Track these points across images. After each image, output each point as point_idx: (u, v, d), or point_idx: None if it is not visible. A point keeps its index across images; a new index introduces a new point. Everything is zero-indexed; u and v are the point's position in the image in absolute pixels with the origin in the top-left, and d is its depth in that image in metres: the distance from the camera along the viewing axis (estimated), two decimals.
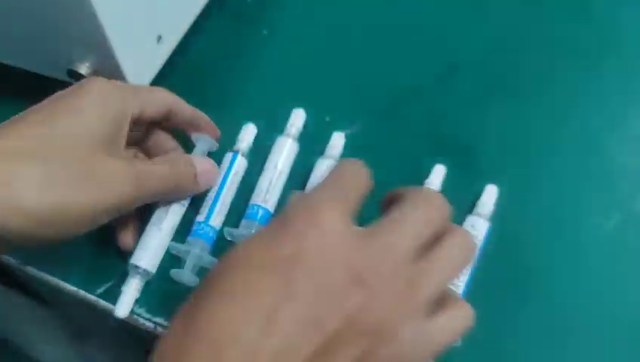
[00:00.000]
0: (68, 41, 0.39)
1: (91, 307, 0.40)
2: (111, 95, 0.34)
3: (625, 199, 0.43)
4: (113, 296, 0.39)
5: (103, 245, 0.41)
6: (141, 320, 0.39)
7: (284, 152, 0.43)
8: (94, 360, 0.75)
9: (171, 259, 0.40)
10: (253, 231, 0.40)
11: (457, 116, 0.47)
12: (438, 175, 0.42)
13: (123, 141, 0.35)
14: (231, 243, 0.41)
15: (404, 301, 0.25)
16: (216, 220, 0.41)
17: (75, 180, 0.31)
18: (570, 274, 0.40)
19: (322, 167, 0.42)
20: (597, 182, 0.43)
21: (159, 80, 0.45)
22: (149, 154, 0.41)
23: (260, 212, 0.41)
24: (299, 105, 0.45)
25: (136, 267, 0.39)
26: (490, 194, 0.41)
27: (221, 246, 0.41)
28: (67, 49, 0.40)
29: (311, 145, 0.44)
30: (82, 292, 0.40)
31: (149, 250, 0.39)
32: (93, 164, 0.32)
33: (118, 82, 0.36)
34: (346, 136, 0.44)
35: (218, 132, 0.43)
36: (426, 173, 0.42)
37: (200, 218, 0.40)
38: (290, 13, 0.51)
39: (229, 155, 0.43)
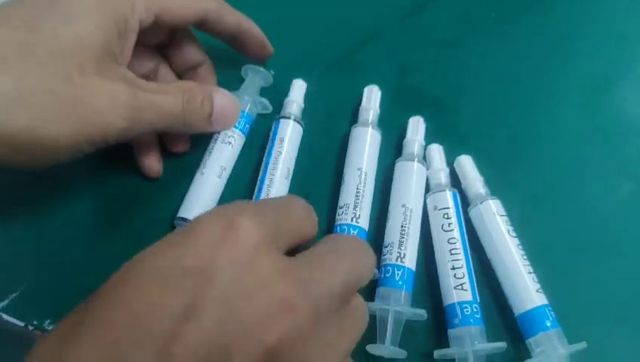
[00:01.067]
0: None
1: None
2: None
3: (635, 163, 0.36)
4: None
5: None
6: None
7: (367, 148, 0.33)
8: None
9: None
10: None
11: (429, 62, 0.39)
12: (415, 128, 0.35)
13: (125, 55, 0.30)
14: None
15: (330, 348, 0.21)
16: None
17: (55, 103, 0.26)
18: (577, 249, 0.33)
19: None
20: (600, 141, 0.37)
21: None
22: (169, 64, 0.36)
23: (354, 234, 0.31)
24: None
25: (184, 220, 0.32)
26: (462, 167, 0.34)
27: None
28: None
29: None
30: None
31: (195, 201, 0.32)
32: (80, 86, 0.27)
33: None
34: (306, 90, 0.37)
35: (270, 49, 0.37)
36: (394, 131, 0.35)
37: None
38: None
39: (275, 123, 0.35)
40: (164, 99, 0.30)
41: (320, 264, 0.22)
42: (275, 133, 0.34)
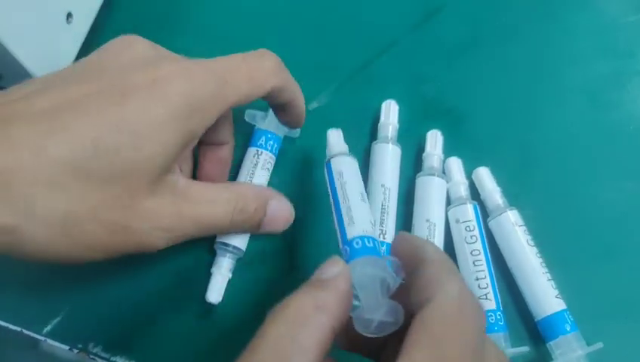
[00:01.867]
0: None
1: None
2: (197, 92, 0.25)
3: None
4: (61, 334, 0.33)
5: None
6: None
7: (389, 163, 0.34)
8: None
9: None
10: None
11: (442, 72, 0.40)
12: (433, 142, 0.36)
13: (183, 161, 0.30)
14: None
15: None
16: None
17: (96, 232, 0.24)
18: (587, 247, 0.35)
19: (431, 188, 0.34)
20: (610, 142, 0.38)
21: None
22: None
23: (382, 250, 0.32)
24: None
25: (225, 245, 0.32)
26: (480, 179, 0.35)
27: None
28: None
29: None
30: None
31: None
32: (127, 209, 0.24)
33: (202, 63, 0.26)
34: (317, 106, 0.38)
35: (303, 122, 0.34)
36: (412, 141, 0.37)
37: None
38: None
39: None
40: (212, 211, 0.28)
41: None
42: (330, 175, 0.32)
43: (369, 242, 0.26)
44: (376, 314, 0.22)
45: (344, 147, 0.34)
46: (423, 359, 0.18)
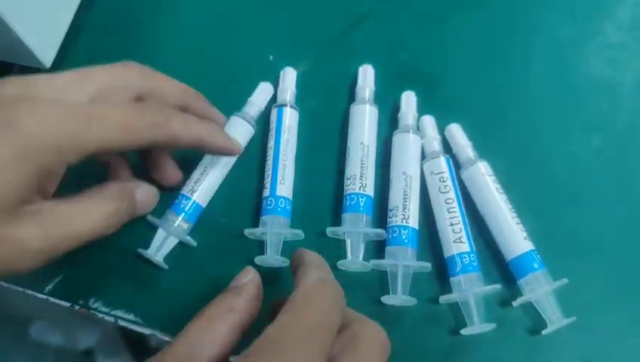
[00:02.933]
0: None
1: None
2: (32, 139, 0.25)
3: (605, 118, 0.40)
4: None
5: None
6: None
7: (367, 123, 0.37)
8: None
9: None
10: (362, 228, 0.34)
11: (416, 38, 0.42)
12: (408, 102, 0.38)
13: (46, 191, 0.29)
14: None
15: None
16: (284, 189, 0.36)
17: None
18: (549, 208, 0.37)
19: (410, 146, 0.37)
20: (573, 100, 0.41)
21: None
22: None
23: (362, 201, 0.34)
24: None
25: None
26: (452, 134, 0.38)
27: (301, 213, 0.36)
28: None
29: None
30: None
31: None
32: None
33: (66, 104, 0.27)
34: (297, 73, 0.40)
35: (238, 150, 0.35)
36: (388, 105, 0.39)
37: (265, 192, 0.36)
38: None
39: (273, 111, 0.38)
40: (84, 225, 0.28)
41: None
42: (279, 121, 0.37)
43: (288, 205, 0.35)
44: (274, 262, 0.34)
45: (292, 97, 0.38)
46: (285, 320, 0.23)
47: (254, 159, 0.38)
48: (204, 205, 0.36)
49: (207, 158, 0.36)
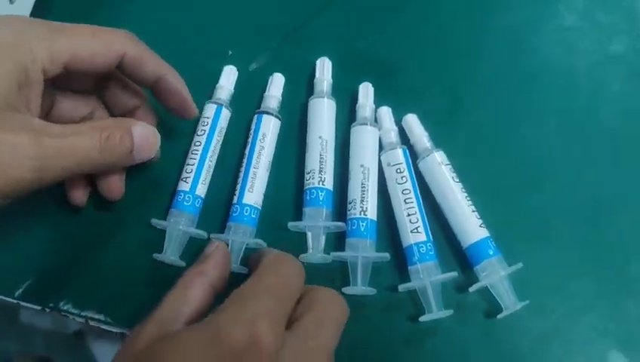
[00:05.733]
0: None
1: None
2: (4, 42, 0.28)
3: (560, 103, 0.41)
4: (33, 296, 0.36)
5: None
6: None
7: (325, 116, 0.37)
8: None
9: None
10: (322, 222, 0.35)
11: (372, 28, 0.43)
12: (365, 94, 0.39)
13: (33, 105, 0.29)
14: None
15: None
16: (252, 198, 0.36)
17: None
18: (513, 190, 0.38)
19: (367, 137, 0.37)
20: (528, 85, 0.41)
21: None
22: (109, 109, 0.36)
23: (321, 195, 0.35)
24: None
25: None
26: (409, 125, 0.38)
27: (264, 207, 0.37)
28: None
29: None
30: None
31: None
32: None
33: (21, 19, 0.30)
34: (256, 67, 0.41)
35: (193, 112, 0.36)
36: (346, 95, 0.39)
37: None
38: None
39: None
40: (78, 141, 0.29)
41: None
42: (257, 129, 0.37)
43: (254, 213, 0.36)
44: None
45: (277, 103, 0.38)
46: (248, 282, 0.27)
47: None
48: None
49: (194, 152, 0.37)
